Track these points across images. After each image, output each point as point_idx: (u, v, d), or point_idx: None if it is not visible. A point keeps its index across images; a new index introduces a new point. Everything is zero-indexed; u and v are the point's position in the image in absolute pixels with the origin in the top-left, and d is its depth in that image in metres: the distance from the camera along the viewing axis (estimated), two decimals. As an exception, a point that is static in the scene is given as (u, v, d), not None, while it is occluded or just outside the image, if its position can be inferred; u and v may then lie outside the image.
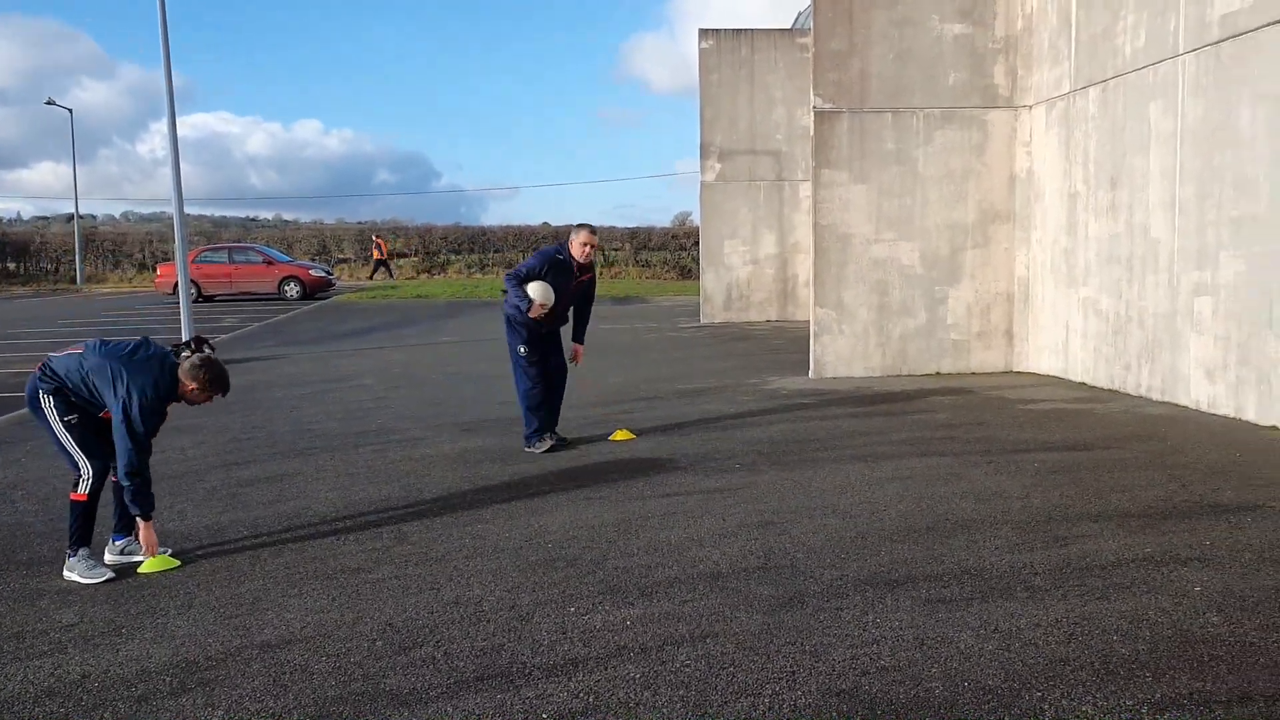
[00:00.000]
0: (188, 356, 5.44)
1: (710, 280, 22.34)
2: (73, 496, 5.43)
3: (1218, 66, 8.72)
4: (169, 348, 5.56)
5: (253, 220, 69.31)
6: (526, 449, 8.16)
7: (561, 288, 8.09)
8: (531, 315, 7.96)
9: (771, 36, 22.39)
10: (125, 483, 5.33)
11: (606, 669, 3.91)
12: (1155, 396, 9.82)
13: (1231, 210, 8.58)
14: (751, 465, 7.39)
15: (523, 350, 8.16)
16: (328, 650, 4.20)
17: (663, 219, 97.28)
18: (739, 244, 22.24)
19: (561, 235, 48.64)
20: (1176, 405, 9.42)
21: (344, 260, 47.55)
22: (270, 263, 33.92)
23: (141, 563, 5.51)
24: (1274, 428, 8.11)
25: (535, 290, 7.94)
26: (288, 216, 69.77)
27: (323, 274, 34.47)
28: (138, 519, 5.44)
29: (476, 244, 48.52)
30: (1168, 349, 9.61)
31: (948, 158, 12.11)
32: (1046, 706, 3.46)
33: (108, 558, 5.65)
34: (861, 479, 6.86)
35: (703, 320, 22.19)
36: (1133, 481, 6.58)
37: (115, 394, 5.25)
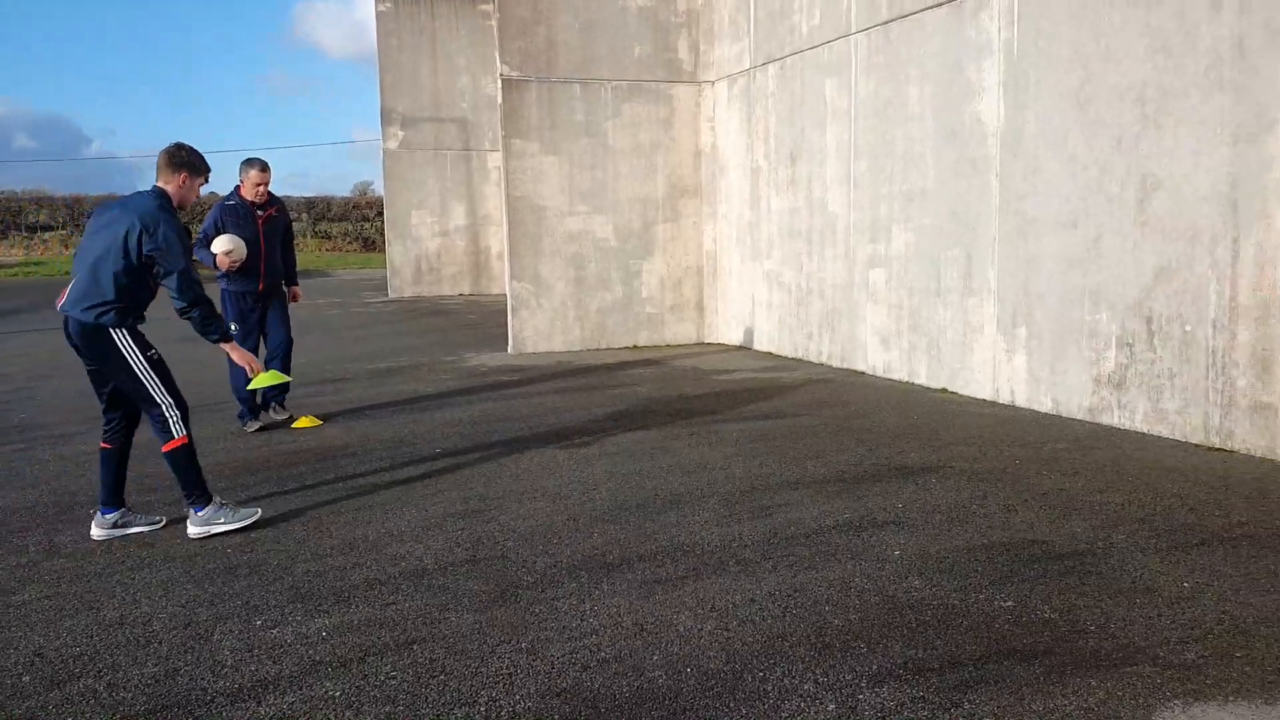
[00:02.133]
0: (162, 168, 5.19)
1: (398, 253, 21.62)
2: (170, 446, 5.09)
3: (887, 45, 9.17)
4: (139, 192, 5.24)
5: None
6: (244, 426, 7.89)
7: (248, 234, 7.65)
8: (221, 267, 7.51)
9: (452, 2, 21.87)
10: (192, 312, 5.10)
11: (301, 688, 3.47)
12: (836, 364, 10.30)
13: (902, 184, 9.08)
14: (453, 449, 7.04)
15: (234, 328, 7.66)
16: (-43, 693, 3.51)
17: (341, 188, 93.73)
18: (427, 215, 21.66)
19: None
20: (856, 371, 9.92)
21: (-19, 234, 42.57)
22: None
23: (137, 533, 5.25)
24: (944, 390, 8.68)
25: (220, 243, 7.51)
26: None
27: (-48, 250, 30.67)
28: (221, 345, 5.32)
29: (137, 215, 44.70)
30: (846, 318, 10.09)
31: (636, 131, 12.17)
32: (769, 687, 3.38)
33: (96, 533, 5.22)
34: (569, 457, 6.69)
35: (391, 294, 21.46)
36: (824, 447, 6.78)
37: (148, 241, 4.95)
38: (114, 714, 3.33)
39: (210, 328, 5.20)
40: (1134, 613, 3.88)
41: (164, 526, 5.36)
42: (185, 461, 5.15)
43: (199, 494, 5.17)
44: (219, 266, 7.50)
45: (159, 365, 5.12)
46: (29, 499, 6.01)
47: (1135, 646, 3.59)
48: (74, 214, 44.33)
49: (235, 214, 7.72)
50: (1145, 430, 6.88)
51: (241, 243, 7.55)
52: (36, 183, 70.71)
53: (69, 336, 5.13)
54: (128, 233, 4.95)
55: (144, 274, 5.05)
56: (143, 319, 5.17)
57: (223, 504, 5.27)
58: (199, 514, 5.17)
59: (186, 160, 5.21)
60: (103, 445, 5.31)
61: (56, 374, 11.11)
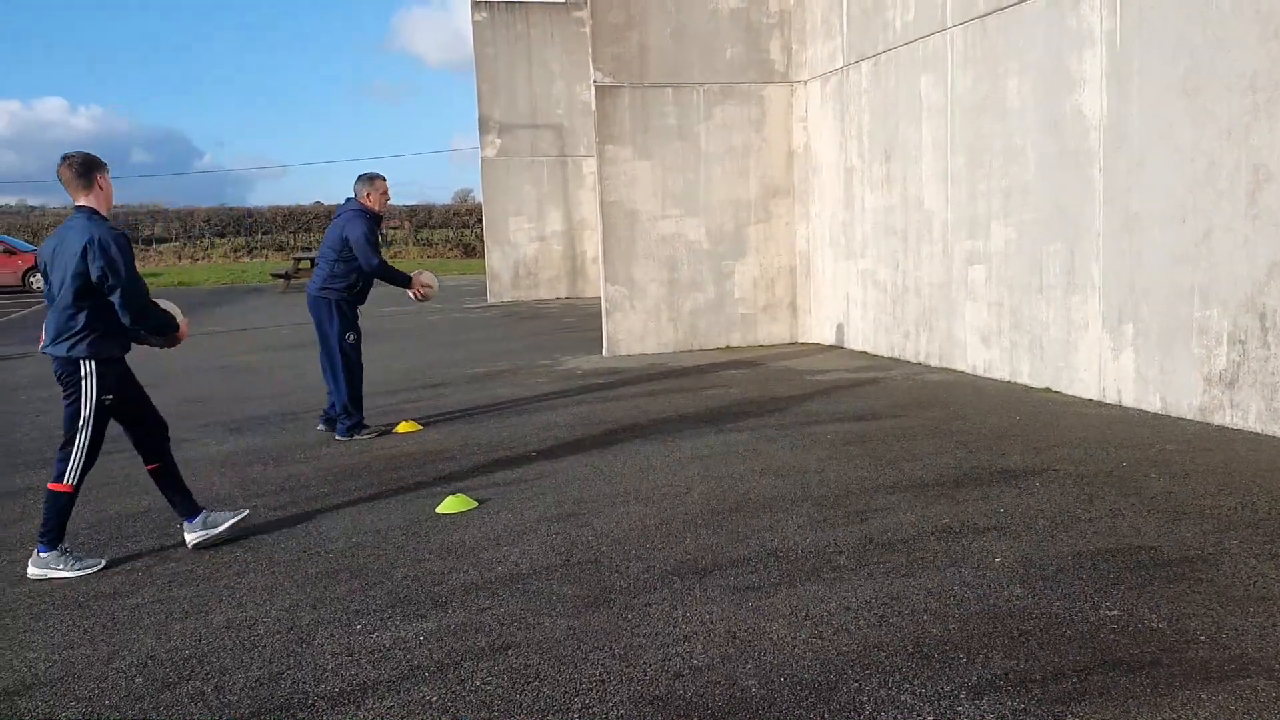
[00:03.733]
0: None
1: (496, 258, 21.90)
2: (56, 488, 5.01)
3: (984, 39, 8.98)
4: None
5: (-9, 206, 63.94)
6: (352, 436, 7.90)
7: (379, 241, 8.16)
8: (415, 296, 8.22)
9: (547, 10, 22.06)
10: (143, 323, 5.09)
11: (399, 693, 3.54)
12: (934, 363, 10.12)
13: (1001, 180, 8.87)
14: (549, 452, 7.10)
15: (351, 338, 7.93)
16: (77, 693, 3.66)
17: (443, 196, 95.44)
18: (524, 221, 21.89)
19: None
20: (955, 370, 9.72)
21: (99, 246, 44.28)
22: (11, 252, 31.37)
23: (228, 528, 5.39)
24: (1048, 389, 8.45)
25: (428, 277, 8.27)
26: (33, 202, 64.71)
27: (74, 262, 32.06)
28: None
29: (243, 226, 46.14)
30: (944, 316, 9.90)
31: (729, 133, 12.13)
32: (864, 698, 3.33)
33: (190, 539, 5.33)
34: (662, 460, 6.69)
35: (490, 299, 21.75)
36: (922, 449, 6.66)
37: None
38: (220, 716, 3.44)
39: (167, 326, 5.18)
40: (1247, 622, 3.73)
41: (246, 516, 5.54)
42: (65, 506, 5.04)
43: (57, 537, 5.03)
44: (415, 296, 8.14)
45: (105, 414, 5.07)
46: (142, 504, 6.24)
47: (1248, 658, 3.45)
48: (186, 226, 45.91)
49: (378, 224, 8.02)
50: (1259, 430, 6.61)
51: (435, 277, 8.29)
52: (151, 196, 73.62)
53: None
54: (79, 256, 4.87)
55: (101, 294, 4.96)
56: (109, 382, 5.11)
57: (66, 551, 5.05)
58: (48, 555, 5.01)
59: (95, 161, 5.08)
60: (147, 468, 5.35)
61: (168, 381, 11.51)
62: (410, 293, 8.18)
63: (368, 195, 7.94)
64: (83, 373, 4.99)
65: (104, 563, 5.12)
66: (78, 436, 5.01)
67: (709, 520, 5.33)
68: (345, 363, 7.89)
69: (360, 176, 8.00)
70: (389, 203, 8.16)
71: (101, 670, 3.85)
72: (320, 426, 8.22)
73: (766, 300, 12.43)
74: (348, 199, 8.05)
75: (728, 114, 12.11)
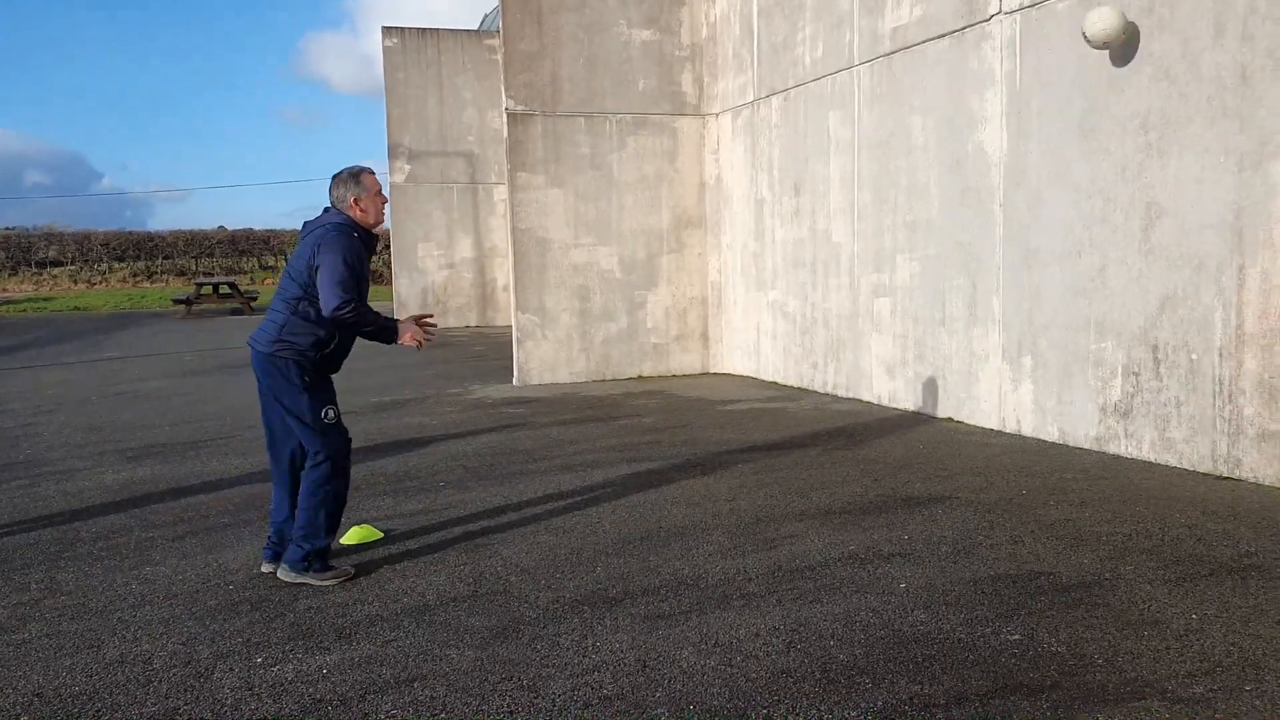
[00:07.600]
0: None
1: (404, 285, 21.69)
2: None
3: (890, 78, 9.20)
4: None
5: None
6: (307, 576, 4.92)
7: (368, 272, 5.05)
8: (407, 343, 5.08)
9: (459, 37, 22.04)
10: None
11: (301, 728, 3.45)
12: (841, 393, 10.27)
13: (906, 214, 9.08)
14: (458, 482, 7.02)
15: (331, 416, 5.02)
16: (-45, 734, 3.49)
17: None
18: (434, 247, 21.74)
19: (240, 239, 44.39)
20: (861, 401, 9.88)
21: (-11, 269, 42.71)
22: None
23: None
24: (950, 419, 8.64)
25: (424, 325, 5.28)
26: (-83, 222, 62.33)
27: (-39, 285, 30.89)
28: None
29: (143, 250, 44.86)
30: (851, 348, 10.07)
31: (641, 163, 12.21)
32: (774, 724, 3.34)
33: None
34: (574, 490, 6.66)
35: (398, 328, 21.50)
36: (829, 478, 6.74)
37: None
38: (112, 754, 3.31)
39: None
40: (1142, 645, 3.84)
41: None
42: None
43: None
44: (412, 345, 5.11)
45: None
46: (32, 536, 5.99)
47: (1143, 680, 3.54)
48: (83, 249, 44.44)
49: (368, 247, 5.04)
50: (1152, 459, 6.84)
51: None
52: (47, 218, 71.46)
53: None
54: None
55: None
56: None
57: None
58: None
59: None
60: None
61: (62, 409, 11.13)
62: (402, 343, 5.08)
63: (354, 201, 4.96)
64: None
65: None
66: None
67: (620, 549, 5.31)
68: (319, 463, 4.99)
69: (337, 177, 5.02)
70: (385, 211, 5.17)
71: (-16, 709, 3.68)
72: (265, 567, 5.13)
73: (679, 330, 12.50)
74: (325, 209, 5.06)
75: (641, 144, 12.20)
